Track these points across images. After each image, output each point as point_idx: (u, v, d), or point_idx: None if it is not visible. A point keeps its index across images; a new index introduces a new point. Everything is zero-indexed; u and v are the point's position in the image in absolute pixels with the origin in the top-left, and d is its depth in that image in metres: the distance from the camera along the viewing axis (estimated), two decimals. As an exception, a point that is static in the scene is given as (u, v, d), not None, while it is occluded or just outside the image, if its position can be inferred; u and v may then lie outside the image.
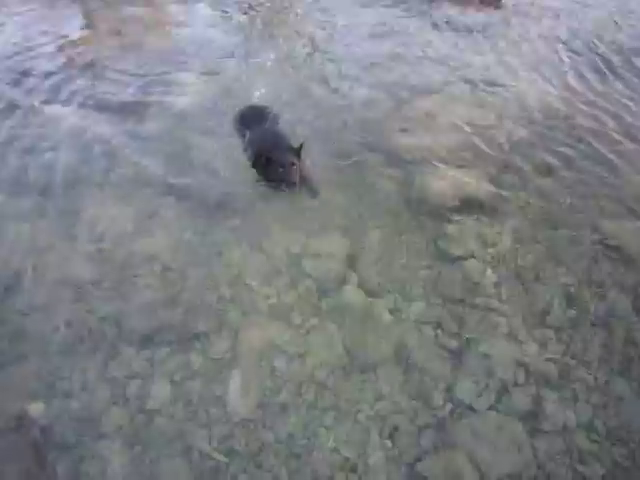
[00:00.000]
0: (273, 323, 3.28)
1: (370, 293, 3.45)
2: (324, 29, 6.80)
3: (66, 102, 5.23)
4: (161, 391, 2.93)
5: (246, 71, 5.79)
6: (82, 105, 5.18)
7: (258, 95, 5.29)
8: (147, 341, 3.15)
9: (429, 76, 5.69)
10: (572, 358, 3.11)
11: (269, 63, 5.95)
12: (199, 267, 3.60)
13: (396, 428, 2.78)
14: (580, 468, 2.64)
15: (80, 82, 5.55)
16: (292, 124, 4.80)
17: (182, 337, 3.16)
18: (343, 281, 3.51)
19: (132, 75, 5.67)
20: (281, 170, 3.97)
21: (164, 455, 2.68)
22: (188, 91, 5.42)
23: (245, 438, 2.73)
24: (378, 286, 3.49)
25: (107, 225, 3.89)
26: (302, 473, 2.62)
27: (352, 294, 3.43)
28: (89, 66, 5.83)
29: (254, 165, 4.15)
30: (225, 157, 4.49)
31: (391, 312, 3.33)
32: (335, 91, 5.44)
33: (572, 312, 3.35)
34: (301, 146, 4.07)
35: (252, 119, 4.67)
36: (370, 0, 7.66)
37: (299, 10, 7.47)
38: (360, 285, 3.49)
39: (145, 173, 4.33)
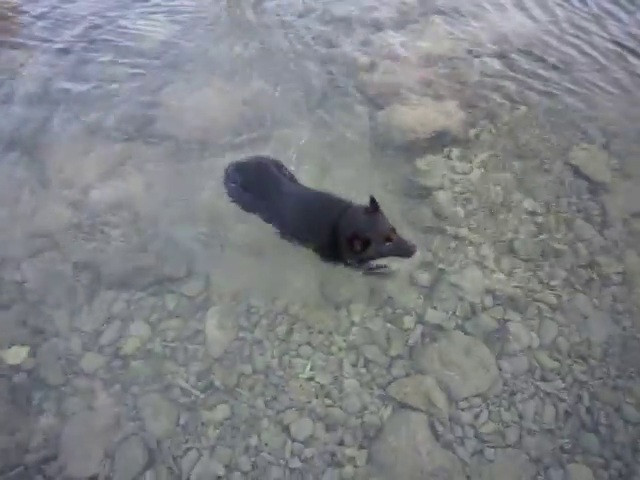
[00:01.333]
0: (247, 262, 3.31)
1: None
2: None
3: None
4: (139, 332, 2.99)
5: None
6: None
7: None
8: (123, 285, 3.18)
9: (397, 9, 5.47)
10: (539, 283, 3.21)
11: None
12: (172, 209, 3.58)
13: (368, 358, 2.89)
14: (542, 385, 2.79)
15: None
16: (264, 70, 4.67)
17: (157, 280, 3.19)
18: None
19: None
20: (387, 246, 2.81)
21: (144, 392, 2.77)
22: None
23: (222, 373, 2.82)
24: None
25: (76, 174, 3.80)
26: (279, 401, 2.74)
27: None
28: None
29: (340, 255, 2.98)
30: (196, 101, 4.36)
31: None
32: (296, 33, 5.18)
33: (540, 239, 3.44)
34: (373, 200, 2.82)
35: (261, 181, 3.27)
36: None
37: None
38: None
39: (110, 119, 4.20)
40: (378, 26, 5.20)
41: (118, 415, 2.69)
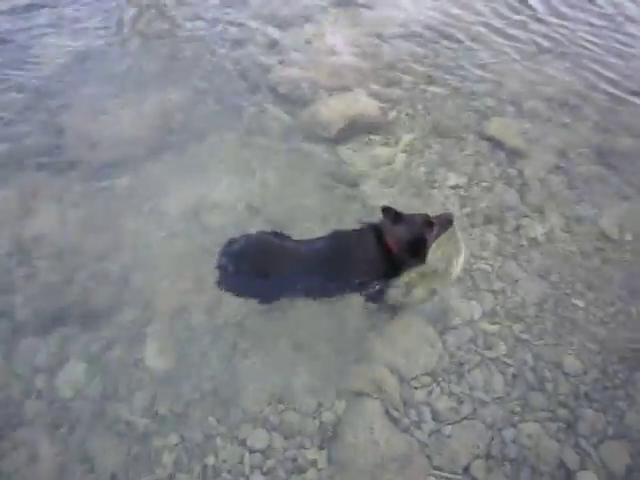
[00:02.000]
0: (181, 280, 3.21)
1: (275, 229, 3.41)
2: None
3: None
4: (77, 370, 2.84)
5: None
6: None
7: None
8: (54, 323, 3.00)
9: (302, 5, 5.45)
10: (471, 255, 3.29)
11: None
12: (95, 238, 3.41)
13: (317, 355, 2.87)
14: (487, 353, 2.87)
15: None
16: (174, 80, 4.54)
17: (88, 313, 3.04)
18: (247, 226, 3.44)
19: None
20: (435, 229, 2.92)
21: (89, 432, 2.63)
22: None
23: (168, 398, 2.72)
24: (283, 223, 3.44)
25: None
26: (231, 416, 2.67)
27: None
28: None
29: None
30: (105, 120, 4.17)
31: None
32: (205, 40, 5.06)
33: (466, 211, 3.53)
34: (387, 209, 2.89)
35: (271, 257, 2.95)
36: None
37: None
38: (266, 226, 3.42)
39: (17, 151, 3.96)
40: (285, 24, 5.16)
41: (64, 462, 2.55)
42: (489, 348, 2.89)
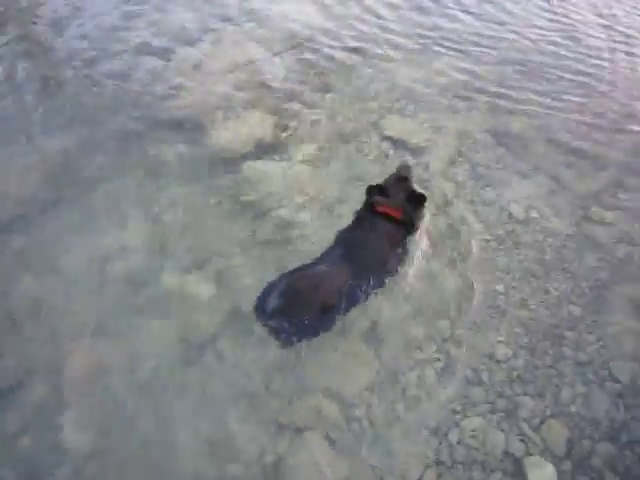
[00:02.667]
0: (95, 340, 2.96)
1: (188, 270, 3.25)
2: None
3: None
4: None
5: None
6: None
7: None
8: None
9: (183, 26, 5.29)
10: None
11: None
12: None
13: (252, 394, 2.73)
14: (418, 355, 2.85)
15: None
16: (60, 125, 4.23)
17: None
18: (158, 269, 3.26)
19: None
20: None
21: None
22: None
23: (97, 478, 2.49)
24: (195, 260, 3.30)
25: None
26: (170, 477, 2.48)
27: (169, 279, 3.20)
28: None
29: None
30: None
31: (215, 281, 3.19)
32: (88, 77, 4.79)
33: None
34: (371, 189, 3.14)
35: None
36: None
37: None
38: (176, 266, 3.27)
39: None
40: (169, 51, 4.97)
41: None
42: (419, 349, 2.88)
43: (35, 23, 5.57)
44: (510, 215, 3.56)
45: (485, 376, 2.79)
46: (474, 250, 3.32)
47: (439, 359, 2.84)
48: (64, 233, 3.46)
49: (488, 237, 3.42)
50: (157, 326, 3.00)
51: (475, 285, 3.13)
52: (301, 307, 2.72)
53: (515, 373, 2.80)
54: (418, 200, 3.12)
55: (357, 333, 2.94)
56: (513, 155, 3.97)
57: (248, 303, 3.03)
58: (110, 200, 3.64)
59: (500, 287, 3.14)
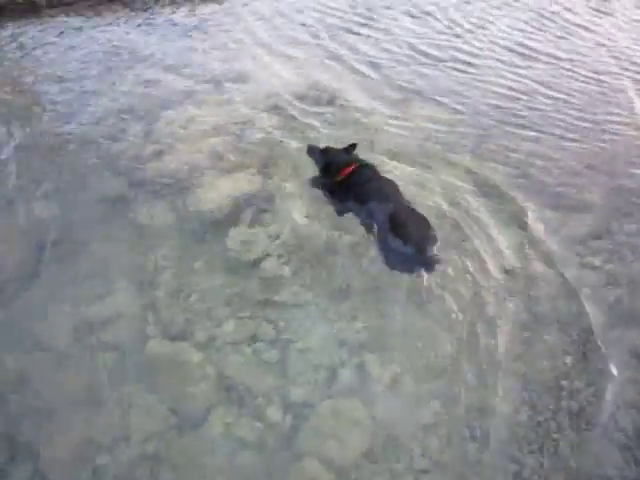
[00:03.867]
0: (80, 417, 2.85)
1: (177, 337, 3.18)
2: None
3: None
4: None
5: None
6: None
7: None
8: None
9: (167, 89, 5.43)
10: (381, 316, 3.24)
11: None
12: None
13: (245, 466, 2.62)
14: (419, 418, 2.76)
15: None
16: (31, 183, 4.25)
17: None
18: (145, 336, 3.19)
19: None
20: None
21: None
22: None
23: None
24: (183, 325, 3.24)
25: None
26: None
27: (157, 347, 3.13)
28: None
29: None
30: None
31: (203, 346, 3.12)
32: (75, 136, 4.88)
33: (365, 269, 3.50)
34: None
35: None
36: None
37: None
38: (164, 333, 3.20)
39: None
40: (154, 114, 5.07)
41: None
42: (417, 409, 2.80)
43: (21, 90, 5.70)
44: (498, 265, 3.56)
45: (487, 437, 2.70)
46: (465, 304, 3.29)
47: (438, 420, 2.75)
48: (48, 303, 3.39)
49: (478, 289, 3.40)
50: (147, 396, 2.90)
51: (469, 340, 3.09)
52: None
53: (519, 431, 2.71)
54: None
55: (349, 392, 2.87)
56: (497, 203, 4.02)
57: (238, 371, 3.00)
58: (96, 266, 3.61)
59: (491, 340, 3.09)
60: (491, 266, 3.53)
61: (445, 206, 3.99)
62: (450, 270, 3.48)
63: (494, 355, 3.03)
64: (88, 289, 3.47)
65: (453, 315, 3.21)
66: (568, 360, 3.02)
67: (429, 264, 3.44)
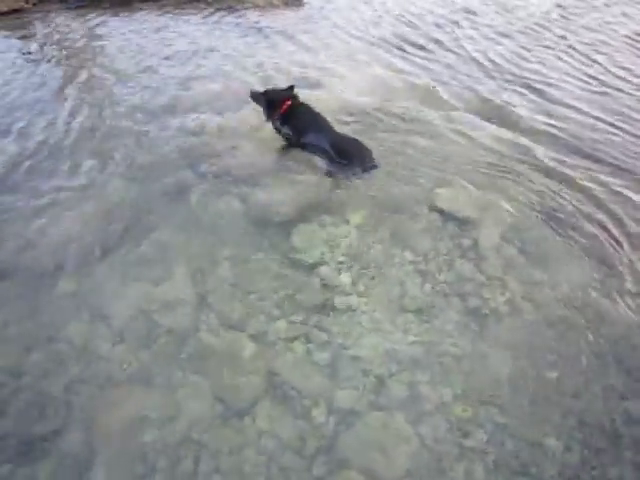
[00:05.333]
0: (133, 392, 2.95)
1: (231, 327, 3.25)
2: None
3: None
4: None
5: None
6: None
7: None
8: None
9: (243, 89, 5.57)
10: (435, 333, 3.20)
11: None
12: (37, 353, 3.13)
13: (285, 466, 2.63)
14: (466, 442, 2.69)
15: None
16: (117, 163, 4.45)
17: (24, 446, 2.70)
18: (201, 323, 3.27)
19: None
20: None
21: None
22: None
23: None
24: (238, 317, 3.30)
25: None
26: None
27: (212, 335, 3.21)
28: None
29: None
30: (44, 222, 3.97)
31: (256, 340, 3.18)
32: (150, 121, 5.10)
33: (425, 288, 3.46)
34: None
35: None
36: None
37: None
38: (219, 323, 3.27)
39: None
40: (231, 110, 5.23)
41: None
42: (466, 436, 2.73)
43: (100, 76, 6.01)
44: (561, 298, 3.44)
45: (534, 470, 2.60)
46: (524, 332, 3.20)
47: (488, 449, 2.67)
48: (115, 280, 3.55)
49: (539, 319, 3.30)
50: (197, 383, 2.97)
51: (526, 370, 3.00)
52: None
53: (568, 471, 2.60)
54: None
55: (397, 404, 2.83)
56: (564, 235, 3.89)
57: (287, 368, 3.02)
58: (161, 252, 3.73)
59: (552, 375, 2.98)
60: (555, 298, 3.41)
61: (509, 230, 3.89)
62: (512, 296, 3.39)
63: (550, 388, 2.92)
64: (151, 272, 3.60)
65: (511, 342, 3.13)
66: (631, 408, 2.87)
67: (368, 169, 4.40)
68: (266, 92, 4.77)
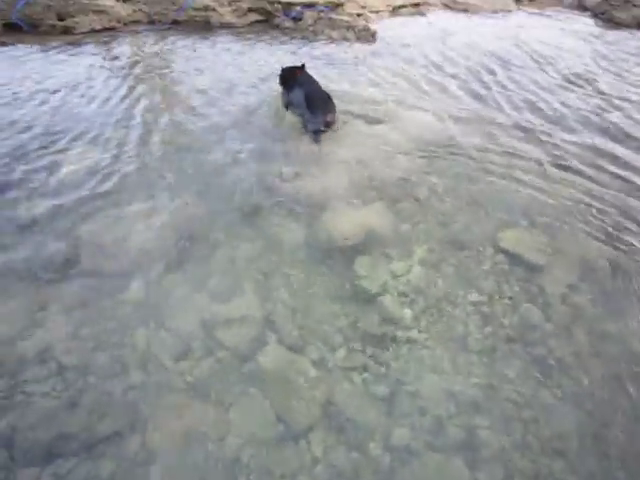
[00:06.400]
0: (191, 404, 3.02)
1: (291, 349, 3.29)
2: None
3: None
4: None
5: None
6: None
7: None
8: (48, 456, 2.77)
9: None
10: (497, 378, 3.12)
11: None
12: (102, 355, 3.27)
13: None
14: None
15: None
16: (183, 183, 4.64)
17: (88, 443, 2.81)
18: (262, 343, 3.33)
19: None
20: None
21: None
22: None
23: None
24: (298, 340, 3.34)
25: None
26: None
27: (272, 355, 3.25)
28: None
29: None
30: (121, 229, 4.17)
31: (315, 365, 3.20)
32: (223, 142, 5.32)
33: (488, 330, 3.40)
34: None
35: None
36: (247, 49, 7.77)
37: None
38: (280, 343, 3.32)
39: (32, 262, 3.91)
40: (298, 137, 5.38)
41: None
42: (527, 489, 2.64)
43: (179, 94, 6.32)
44: (633, 353, 3.29)
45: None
46: (591, 387, 3.08)
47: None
48: (179, 290, 3.67)
49: (606, 372, 3.17)
50: (253, 402, 3.01)
51: (593, 425, 2.88)
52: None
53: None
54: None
55: (454, 447, 2.78)
56: (637, 289, 3.74)
57: (344, 397, 3.02)
58: (226, 269, 3.83)
59: (621, 434, 2.85)
60: (626, 352, 3.28)
61: (578, 279, 3.79)
62: (579, 348, 3.28)
63: (618, 448, 2.78)
64: (216, 288, 3.69)
65: (577, 395, 3.02)
66: None
67: (327, 125, 5.36)
68: (283, 69, 5.94)
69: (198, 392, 3.07)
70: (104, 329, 3.42)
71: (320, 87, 5.67)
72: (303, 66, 5.84)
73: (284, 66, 5.98)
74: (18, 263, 3.87)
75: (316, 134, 5.28)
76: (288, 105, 5.74)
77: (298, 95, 5.55)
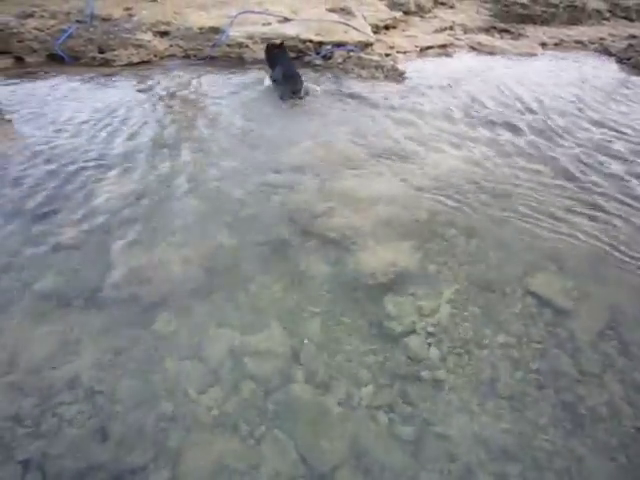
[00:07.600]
0: (218, 438, 3.02)
1: (318, 386, 3.29)
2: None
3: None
4: None
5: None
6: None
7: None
8: (78, 484, 2.79)
9: (343, 153, 5.86)
10: (527, 424, 3.07)
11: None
12: (132, 383, 3.31)
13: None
14: None
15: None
16: (213, 214, 4.74)
17: (115, 475, 2.82)
18: (288, 378, 3.33)
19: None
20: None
21: None
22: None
23: None
24: (325, 378, 3.34)
25: (20, 351, 3.51)
26: None
27: (299, 391, 3.25)
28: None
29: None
30: (155, 258, 4.26)
31: (341, 404, 3.19)
32: (251, 184, 5.42)
33: (518, 374, 3.36)
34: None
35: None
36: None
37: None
38: (307, 380, 3.32)
39: (63, 287, 4.01)
40: (329, 173, 5.47)
41: None
42: None
43: (209, 129, 6.50)
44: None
45: None
46: (624, 438, 3.01)
47: None
48: (210, 321, 3.71)
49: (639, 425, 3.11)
50: (279, 438, 3.00)
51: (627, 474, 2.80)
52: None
53: None
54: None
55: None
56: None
57: (370, 437, 3.00)
58: (256, 301, 3.87)
59: (657, 491, 2.77)
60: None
61: (608, 326, 3.73)
62: (611, 397, 3.22)
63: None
64: (245, 320, 3.73)
65: (609, 446, 2.95)
66: None
67: (294, 93, 7.24)
68: (267, 46, 7.89)
69: (224, 426, 3.04)
70: (134, 357, 3.46)
71: (293, 66, 7.60)
72: (282, 44, 7.81)
73: (268, 43, 7.96)
74: (50, 288, 3.97)
75: (283, 99, 7.19)
76: (274, 79, 7.55)
77: (277, 72, 7.45)
